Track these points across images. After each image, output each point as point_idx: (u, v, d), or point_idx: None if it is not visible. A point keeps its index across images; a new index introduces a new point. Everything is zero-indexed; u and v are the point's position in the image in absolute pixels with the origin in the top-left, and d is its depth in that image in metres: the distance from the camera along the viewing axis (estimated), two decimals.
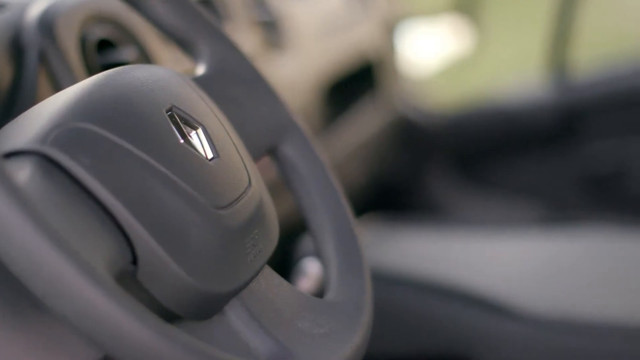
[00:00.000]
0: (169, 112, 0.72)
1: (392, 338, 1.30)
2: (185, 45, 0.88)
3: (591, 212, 2.34)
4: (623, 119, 2.30)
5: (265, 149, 0.88)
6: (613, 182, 2.35)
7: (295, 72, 1.54)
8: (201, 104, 0.78)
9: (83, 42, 0.98)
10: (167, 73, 0.78)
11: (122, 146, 0.66)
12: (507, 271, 1.32)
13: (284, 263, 1.36)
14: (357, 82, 2.03)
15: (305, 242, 1.34)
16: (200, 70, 0.87)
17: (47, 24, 0.93)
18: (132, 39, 1.07)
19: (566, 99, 2.32)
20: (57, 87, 0.91)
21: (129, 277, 0.66)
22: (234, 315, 0.71)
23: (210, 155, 0.74)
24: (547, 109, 2.32)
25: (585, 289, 1.27)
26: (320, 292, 0.85)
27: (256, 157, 0.85)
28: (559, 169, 2.38)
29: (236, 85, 0.87)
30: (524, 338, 1.19)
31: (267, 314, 0.73)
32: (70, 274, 0.56)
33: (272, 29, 1.52)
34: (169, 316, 0.68)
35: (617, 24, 5.27)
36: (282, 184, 0.91)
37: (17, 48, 0.91)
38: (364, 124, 1.97)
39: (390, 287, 1.29)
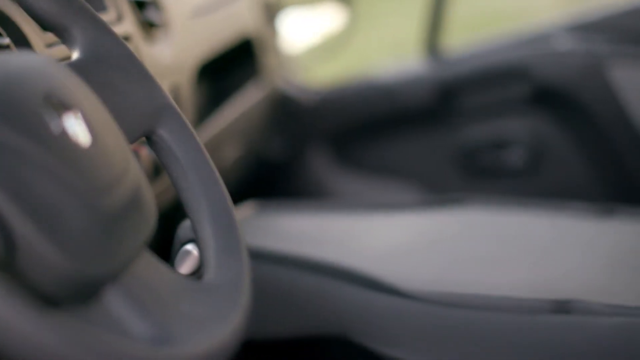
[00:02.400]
0: (45, 99, 0.72)
1: (272, 318, 1.31)
2: (59, 31, 0.87)
3: (469, 189, 2.39)
4: (496, 95, 2.36)
5: (142, 132, 0.88)
6: (490, 158, 2.41)
7: (172, 53, 1.54)
8: (77, 90, 0.77)
9: None
10: (42, 60, 0.77)
11: None
12: (385, 248, 1.34)
13: (166, 246, 1.36)
14: (236, 61, 2.03)
15: (187, 226, 1.34)
16: (75, 55, 0.87)
17: None
18: (6, 25, 1.06)
19: (442, 77, 2.36)
20: None
21: (9, 264, 0.65)
22: (113, 299, 0.71)
23: (86, 140, 0.74)
24: (423, 86, 2.36)
25: (462, 263, 1.30)
26: (200, 275, 0.85)
27: (133, 141, 0.85)
28: (438, 147, 2.42)
29: (111, 69, 0.87)
30: (402, 313, 1.21)
31: (146, 297, 0.74)
32: None
33: (147, 9, 1.51)
34: (49, 301, 0.68)
35: (492, 5, 5.38)
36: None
37: None
38: (244, 103, 1.97)
39: (270, 267, 1.30)
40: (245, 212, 1.51)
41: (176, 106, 0.90)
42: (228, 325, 0.77)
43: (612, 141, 2.29)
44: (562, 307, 1.16)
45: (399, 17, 5.86)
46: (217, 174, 0.89)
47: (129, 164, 0.78)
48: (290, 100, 2.42)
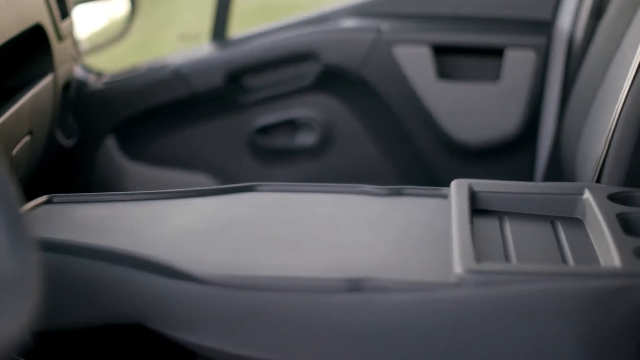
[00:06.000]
0: None
1: (67, 309, 1.29)
2: None
3: (263, 173, 2.42)
4: (286, 76, 2.39)
5: None
6: (282, 141, 2.44)
7: None
8: None
9: None
10: None
11: None
12: (177, 235, 1.34)
13: None
14: (27, 49, 1.98)
15: None
16: None
17: None
18: None
19: (231, 59, 2.38)
20: None
21: None
22: None
23: None
24: (213, 68, 2.38)
25: (255, 246, 1.31)
26: None
27: None
28: (230, 133, 2.44)
29: None
30: (196, 298, 1.21)
31: None
32: None
33: None
34: None
35: None
36: None
37: None
38: (35, 90, 1.92)
39: (63, 258, 1.28)
40: (38, 204, 1.48)
41: None
42: (15, 318, 0.75)
43: (400, 120, 2.36)
44: (354, 285, 1.18)
45: (197, 12, 5.89)
46: (2, 164, 0.87)
47: None
48: (81, 87, 2.38)
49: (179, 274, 1.23)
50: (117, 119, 2.44)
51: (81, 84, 2.38)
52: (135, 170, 2.46)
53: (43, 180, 2.19)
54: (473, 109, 2.32)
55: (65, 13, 2.14)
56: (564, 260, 1.26)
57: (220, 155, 2.45)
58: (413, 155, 2.39)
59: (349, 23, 2.38)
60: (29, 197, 1.49)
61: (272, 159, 2.44)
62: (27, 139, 1.89)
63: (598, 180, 1.51)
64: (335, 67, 2.34)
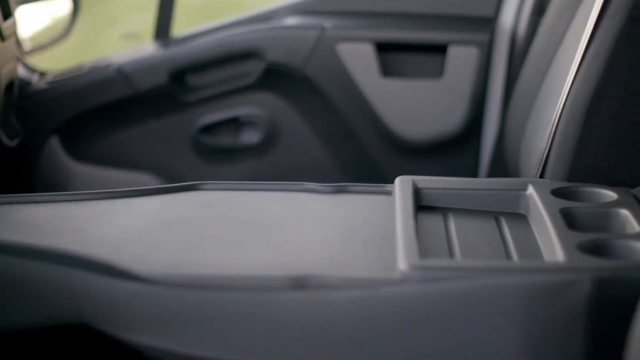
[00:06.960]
0: None
1: (10, 310, 1.28)
2: None
3: (207, 171, 2.41)
4: (229, 74, 2.39)
5: None
6: (226, 139, 2.43)
7: None
8: None
9: None
10: None
11: None
12: (120, 235, 1.33)
13: None
14: None
15: None
16: None
17: None
18: None
19: (175, 57, 2.37)
20: None
21: None
22: None
23: None
24: (157, 67, 2.36)
25: (199, 245, 1.30)
26: None
27: None
28: (175, 132, 2.43)
29: None
30: (140, 298, 1.20)
31: None
32: None
33: None
34: None
35: None
36: None
37: None
38: None
39: (6, 259, 1.27)
40: None
41: None
42: None
43: (344, 117, 2.36)
44: (298, 282, 1.17)
45: (140, 11, 5.86)
46: None
47: None
48: (24, 86, 2.35)
49: (122, 273, 1.22)
50: (61, 118, 2.42)
51: (24, 84, 2.36)
52: (79, 170, 2.44)
53: None
54: (417, 106, 2.33)
55: (7, 13, 2.11)
56: (508, 255, 1.26)
57: (164, 155, 2.43)
58: (357, 153, 2.39)
59: (292, 21, 2.38)
60: None
61: (217, 158, 2.43)
62: None
63: (541, 176, 1.52)
64: (279, 65, 2.34)
